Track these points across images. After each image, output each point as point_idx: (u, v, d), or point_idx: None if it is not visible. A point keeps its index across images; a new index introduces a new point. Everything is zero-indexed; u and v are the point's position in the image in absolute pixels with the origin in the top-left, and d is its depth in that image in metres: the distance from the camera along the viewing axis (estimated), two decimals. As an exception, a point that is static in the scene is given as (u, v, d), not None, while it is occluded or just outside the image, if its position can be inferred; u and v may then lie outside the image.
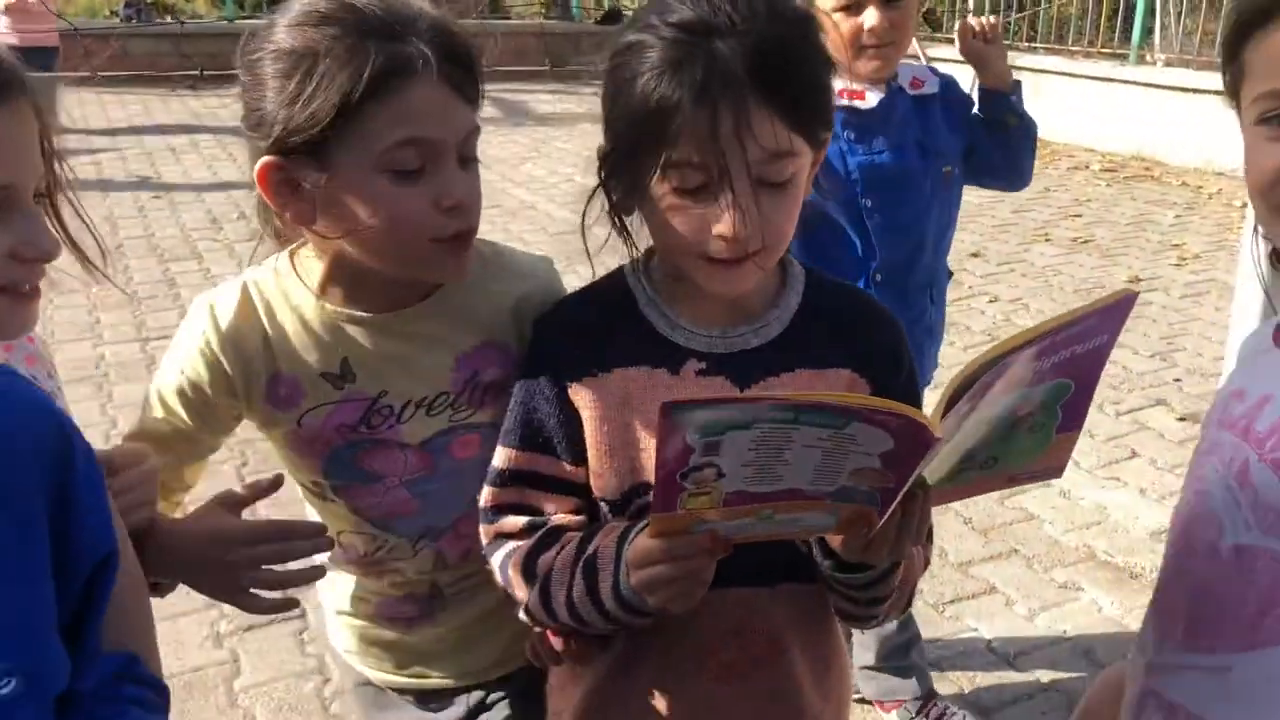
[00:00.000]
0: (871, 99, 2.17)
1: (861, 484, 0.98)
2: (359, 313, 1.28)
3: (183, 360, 1.29)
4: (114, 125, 9.20)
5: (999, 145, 2.29)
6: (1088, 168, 8.32)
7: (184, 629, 2.79)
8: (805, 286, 1.26)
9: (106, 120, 9.42)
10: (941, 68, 2.34)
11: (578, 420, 1.21)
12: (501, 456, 1.25)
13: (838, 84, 2.10)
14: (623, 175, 1.16)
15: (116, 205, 6.75)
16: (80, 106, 9.79)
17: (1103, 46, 9.25)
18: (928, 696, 2.50)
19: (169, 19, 12.16)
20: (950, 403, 0.92)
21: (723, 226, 1.09)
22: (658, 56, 1.08)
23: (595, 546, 1.16)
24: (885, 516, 1.01)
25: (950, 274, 2.43)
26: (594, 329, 1.23)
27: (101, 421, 3.85)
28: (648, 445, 1.18)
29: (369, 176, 1.16)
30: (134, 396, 4.13)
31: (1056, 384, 0.99)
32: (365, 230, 1.19)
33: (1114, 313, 0.97)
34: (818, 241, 2.18)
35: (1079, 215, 6.99)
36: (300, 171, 1.17)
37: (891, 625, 2.43)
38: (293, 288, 1.29)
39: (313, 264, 1.29)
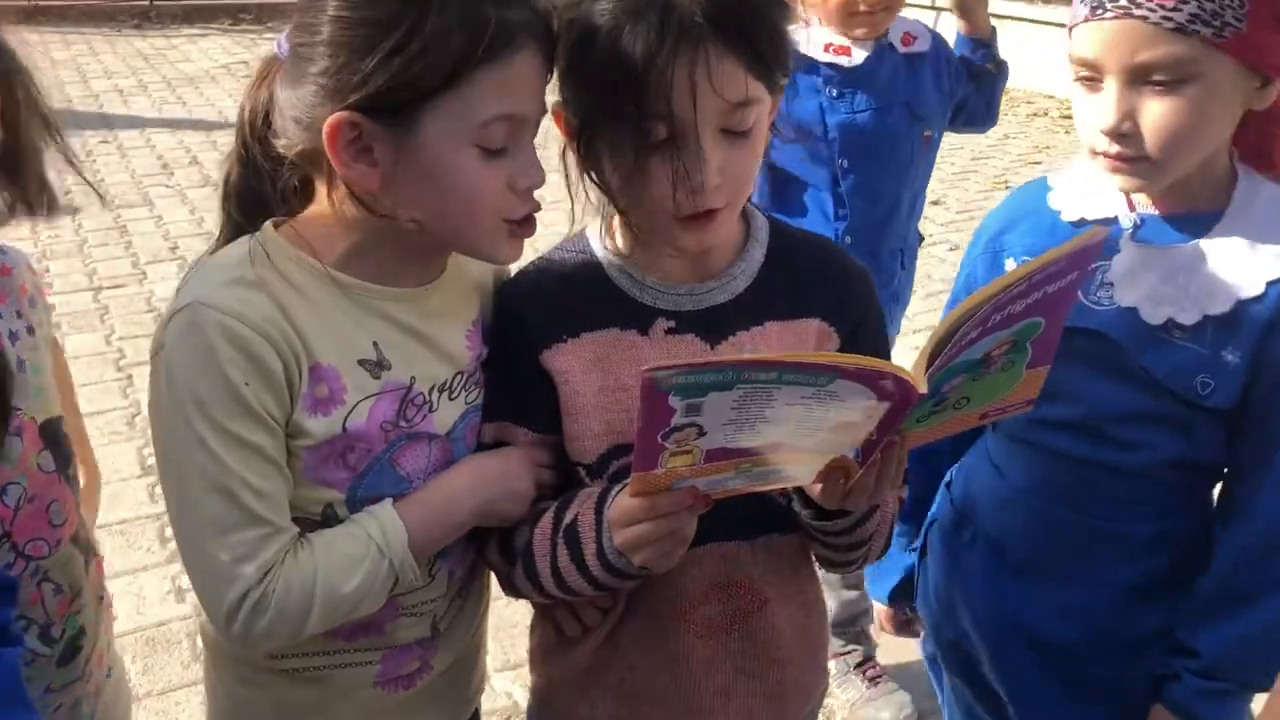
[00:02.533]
0: (858, 55, 2.12)
1: (843, 436, 0.98)
2: (386, 288, 1.15)
3: (209, 385, 1.04)
4: (58, 66, 8.93)
5: (982, 93, 2.33)
6: (1047, 114, 8.33)
7: (145, 584, 2.77)
8: (770, 237, 1.25)
9: (49, 61, 9.15)
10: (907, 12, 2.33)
11: (550, 387, 1.20)
12: (481, 430, 1.24)
13: (823, 38, 2.09)
14: (586, 133, 1.13)
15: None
16: (20, 47, 9.48)
17: (1063, -8, 9.24)
18: (867, 657, 2.53)
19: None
20: (932, 357, 0.92)
21: (691, 180, 1.07)
22: (614, 9, 1.05)
23: (574, 514, 1.15)
24: (866, 467, 1.02)
25: (921, 238, 2.43)
26: (561, 294, 1.21)
27: (54, 373, 3.78)
28: (622, 407, 1.18)
29: (457, 150, 1.05)
30: (86, 347, 4.06)
31: (1028, 322, 1.01)
32: (433, 204, 1.08)
33: (1083, 253, 1.00)
34: (784, 200, 2.19)
35: (1038, 162, 7.01)
36: (377, 134, 1.04)
37: (854, 592, 2.45)
38: (303, 259, 1.12)
39: (319, 232, 1.13)
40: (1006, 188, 6.41)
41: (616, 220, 1.22)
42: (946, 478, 1.57)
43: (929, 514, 1.60)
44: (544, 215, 1.15)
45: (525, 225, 1.14)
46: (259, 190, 1.16)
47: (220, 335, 1.04)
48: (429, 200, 1.08)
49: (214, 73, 8.83)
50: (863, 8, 2.05)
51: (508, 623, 2.61)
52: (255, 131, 1.15)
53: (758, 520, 1.23)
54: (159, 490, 3.15)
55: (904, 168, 2.21)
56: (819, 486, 1.09)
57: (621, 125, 1.07)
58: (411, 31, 1.00)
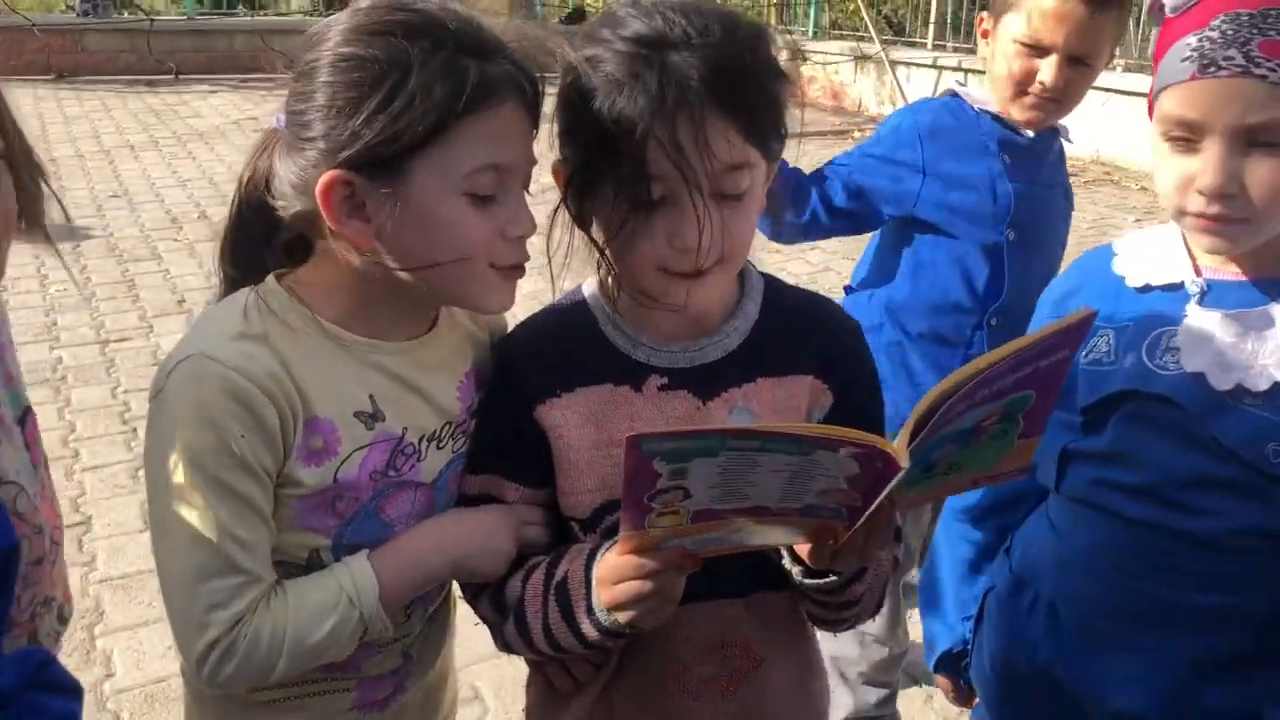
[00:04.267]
0: (1028, 132, 2.03)
1: (829, 502, 0.99)
2: (382, 341, 1.18)
3: (206, 436, 1.07)
4: (71, 122, 9.05)
5: None
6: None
7: (145, 639, 2.75)
8: (764, 295, 1.26)
9: (63, 117, 9.28)
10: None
11: (544, 441, 1.20)
12: (466, 481, 1.26)
13: (996, 107, 2.02)
14: (581, 190, 1.15)
15: (74, 204, 6.64)
16: (36, 103, 9.63)
17: (1063, 51, 9.35)
18: None
19: (126, 14, 11.96)
20: (915, 431, 0.92)
21: (683, 239, 1.09)
22: (613, 70, 1.07)
23: (564, 571, 1.16)
24: (853, 530, 1.02)
25: None
26: (556, 349, 1.22)
27: (59, 426, 3.78)
28: (615, 463, 1.17)
29: (445, 198, 1.09)
30: (92, 400, 4.06)
31: (1018, 396, 1.00)
32: (426, 253, 1.11)
33: (1074, 331, 1.00)
34: (928, 272, 2.07)
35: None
36: (370, 191, 1.08)
37: (881, 691, 2.36)
38: (303, 313, 1.15)
39: (318, 287, 1.17)
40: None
41: (613, 275, 1.23)
42: (1006, 543, 1.53)
43: (985, 582, 1.56)
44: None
45: (514, 272, 1.17)
46: (254, 251, 1.20)
47: (221, 389, 1.08)
48: (422, 250, 1.11)
49: (224, 128, 8.94)
50: (1033, 90, 1.93)
51: (510, 679, 2.59)
52: (252, 200, 1.18)
53: (752, 578, 1.22)
54: (161, 544, 3.13)
55: (1055, 253, 2.11)
56: (807, 547, 1.08)
57: (615, 184, 1.09)
58: (396, 88, 1.04)
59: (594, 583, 1.11)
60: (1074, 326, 0.99)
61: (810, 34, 11.52)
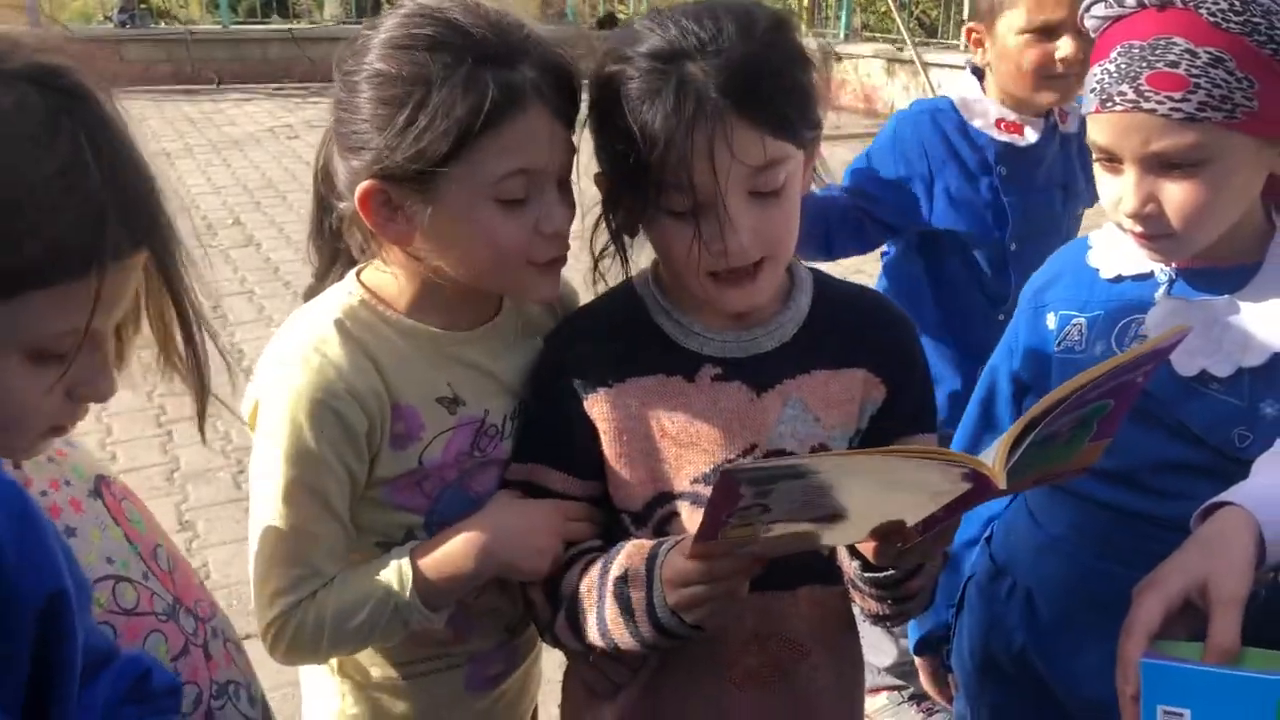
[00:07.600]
0: (1030, 135, 2.05)
1: (907, 512, 0.98)
2: (456, 331, 1.23)
3: (298, 433, 1.14)
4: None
5: None
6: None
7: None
8: (814, 287, 1.26)
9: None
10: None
11: (593, 433, 1.21)
12: (510, 469, 1.26)
13: (994, 113, 2.04)
14: (619, 202, 1.17)
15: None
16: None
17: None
18: (921, 695, 2.51)
19: (163, 24, 12.11)
20: (1011, 451, 0.91)
21: (720, 244, 1.10)
22: (633, 87, 1.09)
23: (624, 569, 1.15)
24: (925, 536, 1.02)
25: None
26: (607, 341, 1.23)
27: (96, 429, 3.83)
28: (668, 455, 1.19)
29: (475, 205, 1.13)
30: (127, 404, 4.09)
31: (1099, 404, 1.01)
32: (464, 254, 1.16)
33: (1166, 349, 1.02)
34: (946, 278, 2.12)
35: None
36: (404, 198, 1.13)
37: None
38: (383, 310, 1.21)
39: (389, 282, 1.22)
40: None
41: (663, 266, 1.24)
42: (986, 532, 1.56)
43: (966, 569, 1.58)
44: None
45: (555, 265, 1.20)
46: (333, 241, 1.28)
47: (312, 390, 1.14)
48: (459, 251, 1.16)
49: (258, 135, 9.03)
50: (1059, 69, 1.95)
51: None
52: (322, 190, 1.25)
53: (799, 571, 1.22)
54: (196, 545, 3.19)
55: (1056, 246, 2.17)
56: (871, 545, 1.08)
57: (644, 196, 1.10)
58: (418, 107, 1.08)
59: (659, 583, 1.11)
60: (1167, 344, 1.01)
61: (841, 36, 11.48)
